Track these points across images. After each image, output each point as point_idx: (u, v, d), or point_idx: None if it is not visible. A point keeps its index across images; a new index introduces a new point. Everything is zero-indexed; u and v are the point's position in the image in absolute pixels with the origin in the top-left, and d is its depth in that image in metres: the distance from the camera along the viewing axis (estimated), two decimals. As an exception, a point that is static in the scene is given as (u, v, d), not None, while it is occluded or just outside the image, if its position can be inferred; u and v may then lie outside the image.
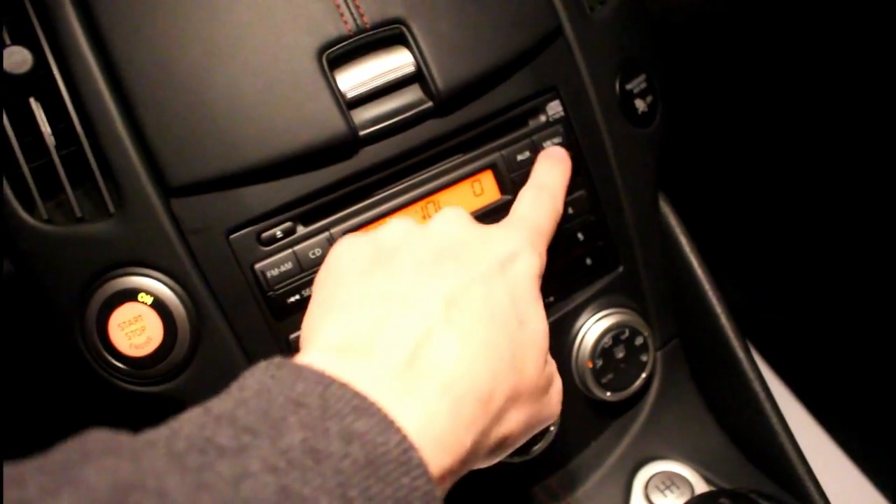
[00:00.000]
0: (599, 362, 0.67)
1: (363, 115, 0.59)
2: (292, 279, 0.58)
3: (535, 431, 0.52)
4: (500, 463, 0.64)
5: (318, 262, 0.59)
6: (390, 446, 0.37)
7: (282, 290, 0.58)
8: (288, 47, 0.57)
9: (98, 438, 0.34)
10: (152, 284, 0.57)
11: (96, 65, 0.55)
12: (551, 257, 0.65)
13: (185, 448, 0.34)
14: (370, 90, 0.59)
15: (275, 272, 0.58)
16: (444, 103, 0.60)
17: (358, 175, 0.60)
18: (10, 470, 0.31)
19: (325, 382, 0.39)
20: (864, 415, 1.04)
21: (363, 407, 0.38)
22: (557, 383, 0.54)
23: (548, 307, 0.65)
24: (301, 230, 0.59)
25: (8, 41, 0.55)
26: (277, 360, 0.41)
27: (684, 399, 0.73)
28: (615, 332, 0.67)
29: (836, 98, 0.85)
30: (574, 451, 0.70)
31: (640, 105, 0.69)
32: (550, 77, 0.65)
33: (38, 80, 0.56)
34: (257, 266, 0.58)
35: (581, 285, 0.68)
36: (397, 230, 0.52)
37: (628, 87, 0.69)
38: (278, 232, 0.58)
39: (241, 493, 0.33)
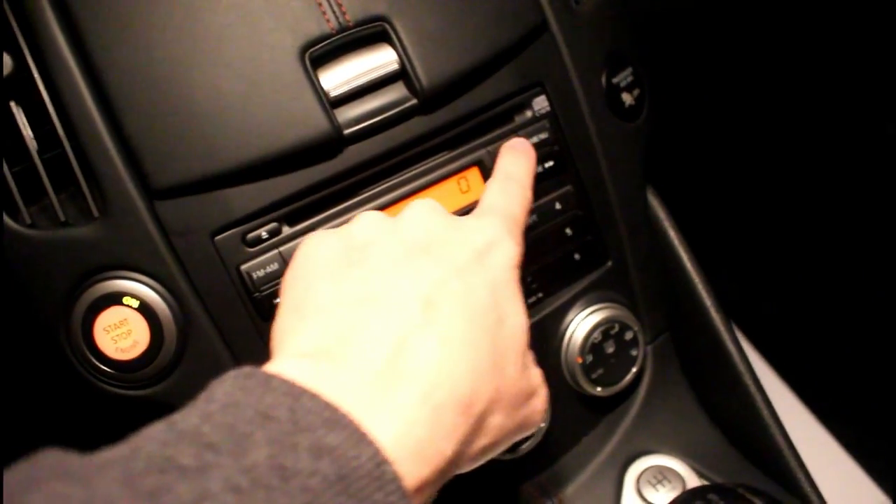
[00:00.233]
0: (589, 358, 0.67)
1: (347, 113, 0.59)
2: (279, 280, 0.58)
3: (519, 438, 0.50)
4: (491, 460, 0.64)
5: None
6: (362, 460, 0.36)
7: (268, 291, 0.58)
8: (270, 47, 0.57)
9: (48, 461, 0.33)
10: (138, 288, 0.56)
11: (77, 68, 0.55)
12: (540, 253, 0.65)
13: (143, 469, 0.33)
14: (354, 88, 0.59)
15: (261, 273, 0.58)
16: (428, 100, 0.60)
17: (343, 174, 0.59)
18: None
19: (294, 394, 0.37)
20: (857, 404, 1.04)
21: (334, 419, 0.37)
22: (543, 389, 0.51)
23: (536, 303, 0.66)
24: (287, 230, 0.59)
25: (-13, 45, 0.55)
26: (247, 369, 0.39)
27: (675, 393, 0.73)
28: (605, 327, 0.67)
29: (823, 89, 0.85)
30: (565, 447, 0.70)
31: (627, 99, 0.69)
32: (536, 72, 0.65)
33: (18, 83, 0.55)
34: (243, 267, 0.58)
35: (570, 280, 0.67)
36: (368, 225, 0.50)
37: (615, 80, 0.68)
38: (263, 233, 0.58)
39: None
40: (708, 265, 0.71)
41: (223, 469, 0.33)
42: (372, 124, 0.59)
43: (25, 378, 0.67)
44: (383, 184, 0.61)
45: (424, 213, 0.51)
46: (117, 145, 0.55)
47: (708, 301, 0.70)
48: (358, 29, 0.59)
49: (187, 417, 0.37)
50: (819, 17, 0.80)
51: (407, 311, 0.44)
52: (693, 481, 0.67)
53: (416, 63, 0.59)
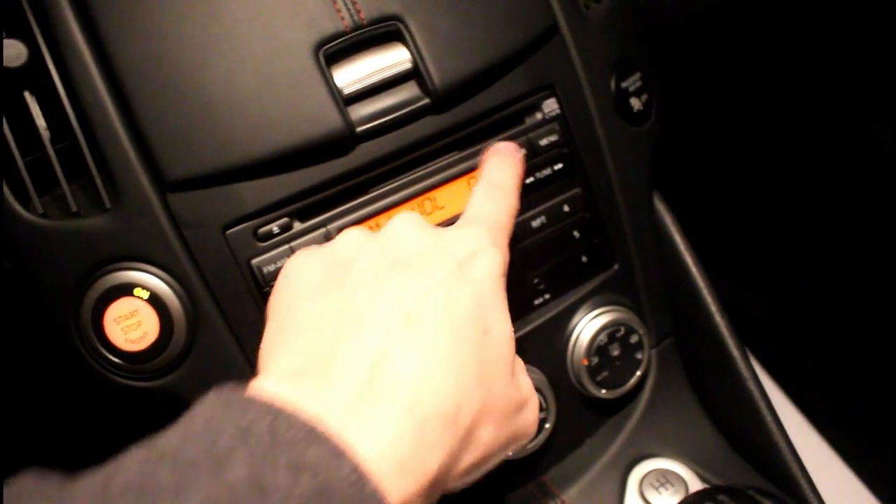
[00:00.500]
0: (595, 360, 0.67)
1: (360, 111, 0.59)
2: None
3: (511, 450, 0.49)
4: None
5: None
6: (342, 475, 0.35)
7: None
8: (285, 43, 0.57)
9: (25, 486, 0.33)
10: (148, 279, 0.56)
11: (92, 59, 0.55)
12: (547, 254, 0.65)
13: (120, 490, 0.33)
14: (367, 86, 0.59)
15: (271, 268, 0.58)
16: (441, 100, 0.60)
17: (355, 171, 0.59)
18: None
19: (274, 412, 0.37)
20: (854, 412, 1.04)
21: (314, 435, 0.36)
22: (534, 399, 0.51)
23: (543, 304, 0.66)
24: (298, 226, 0.59)
25: (3, 34, 0.55)
26: (228, 389, 0.39)
27: (679, 397, 0.73)
28: (610, 330, 0.67)
29: (831, 96, 0.86)
30: (569, 449, 0.70)
31: (636, 103, 0.69)
32: (546, 75, 0.65)
33: (33, 73, 0.55)
34: (254, 261, 0.58)
35: (576, 283, 0.68)
36: (350, 241, 0.50)
37: (624, 85, 0.69)
38: (275, 228, 0.58)
39: None
40: (712, 270, 0.72)
41: (202, 487, 0.33)
42: (384, 122, 0.59)
43: (35, 368, 0.67)
44: (394, 182, 0.61)
45: (406, 226, 0.51)
46: (131, 137, 0.55)
47: (713, 306, 0.70)
48: (372, 27, 0.59)
49: (167, 438, 0.37)
50: (828, 26, 0.81)
51: (389, 326, 0.44)
52: (696, 485, 0.67)
53: (430, 63, 0.59)
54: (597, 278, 0.68)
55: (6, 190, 0.55)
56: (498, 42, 0.62)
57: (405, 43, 0.60)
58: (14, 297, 0.58)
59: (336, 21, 0.58)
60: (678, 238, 0.72)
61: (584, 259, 0.67)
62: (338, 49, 0.58)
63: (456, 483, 0.45)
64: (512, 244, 0.63)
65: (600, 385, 0.68)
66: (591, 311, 0.68)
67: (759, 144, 0.99)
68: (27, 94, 0.56)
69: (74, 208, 0.56)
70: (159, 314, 0.57)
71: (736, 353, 0.69)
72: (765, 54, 0.87)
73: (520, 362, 0.51)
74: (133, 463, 0.35)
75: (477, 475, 0.47)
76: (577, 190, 0.66)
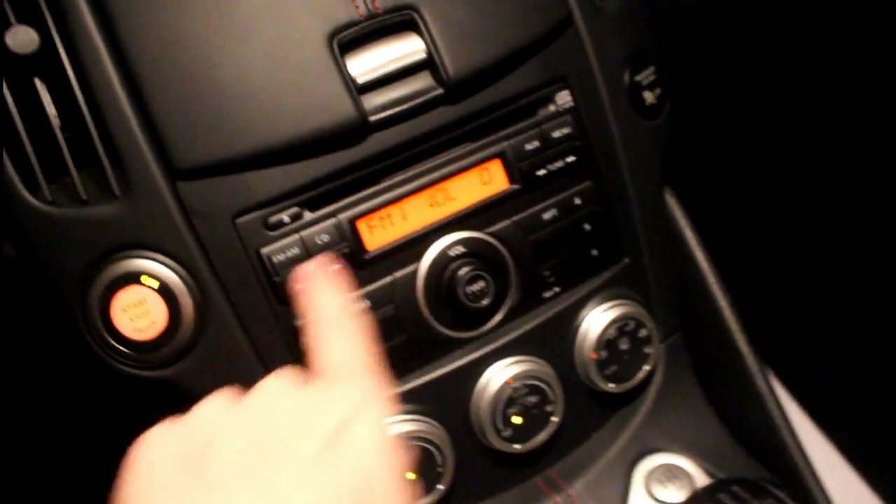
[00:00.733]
0: (604, 353, 0.67)
1: (373, 100, 0.59)
2: (298, 264, 0.58)
3: None
4: (502, 452, 0.65)
5: (326, 247, 0.59)
6: None
7: (287, 276, 0.58)
8: (298, 31, 0.57)
9: None
10: (157, 268, 0.56)
11: (103, 45, 0.55)
12: (558, 247, 0.65)
13: None
14: (380, 76, 0.58)
15: (281, 257, 0.58)
16: (454, 90, 0.60)
17: (366, 161, 0.59)
18: None
19: None
20: (858, 412, 1.05)
21: None
22: None
23: (553, 297, 0.66)
24: (308, 216, 0.59)
25: (13, 20, 0.54)
26: None
27: (686, 392, 0.73)
28: (620, 324, 0.67)
29: (846, 94, 0.85)
30: (576, 442, 0.70)
31: (649, 97, 0.69)
32: (560, 67, 0.65)
33: (44, 60, 0.55)
34: (263, 251, 0.58)
35: (586, 276, 0.68)
36: (211, 418, 0.44)
37: (637, 78, 0.68)
38: (285, 217, 0.58)
39: None
40: (721, 267, 0.72)
41: None
42: (397, 112, 0.59)
43: (41, 357, 0.67)
44: (406, 172, 0.61)
45: (272, 395, 0.45)
46: (141, 124, 0.55)
47: (722, 301, 0.70)
48: (386, 16, 0.59)
49: None
50: (843, 26, 0.81)
51: None
52: (702, 480, 0.67)
53: (444, 53, 0.59)
54: (607, 272, 0.68)
55: (15, 177, 0.54)
56: (512, 33, 0.61)
57: (419, 32, 0.59)
58: (21, 284, 0.58)
59: (350, 9, 0.58)
60: (689, 233, 0.72)
61: (594, 252, 0.67)
62: (352, 38, 0.58)
63: None
64: (523, 236, 0.63)
65: (608, 379, 0.68)
66: (600, 304, 0.67)
67: (770, 142, 0.99)
68: (38, 81, 0.55)
69: (83, 196, 0.55)
70: (167, 303, 0.56)
71: (745, 349, 0.69)
72: (781, 49, 0.87)
73: None
74: None
75: None
76: (588, 183, 0.66)
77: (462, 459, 0.63)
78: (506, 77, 0.62)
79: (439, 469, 0.62)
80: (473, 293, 0.61)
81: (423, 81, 0.60)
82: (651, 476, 0.68)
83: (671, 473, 0.67)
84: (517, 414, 0.64)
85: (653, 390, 0.72)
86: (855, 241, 0.95)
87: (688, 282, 0.72)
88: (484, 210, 0.63)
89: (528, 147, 0.64)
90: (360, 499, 0.40)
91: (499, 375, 0.64)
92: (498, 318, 0.64)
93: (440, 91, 0.60)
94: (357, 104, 0.57)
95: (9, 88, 0.54)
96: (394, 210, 0.61)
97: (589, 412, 0.70)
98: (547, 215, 0.65)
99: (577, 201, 0.66)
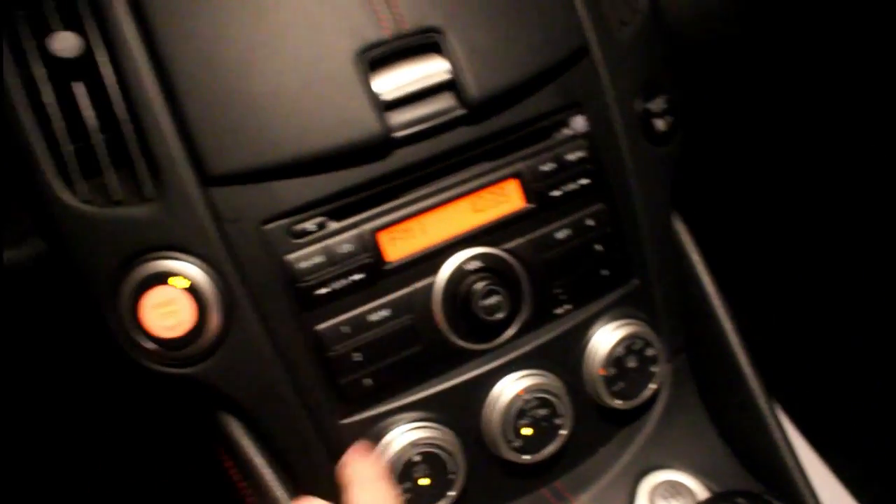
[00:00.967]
0: (612, 370, 0.68)
1: (397, 117, 0.61)
2: (321, 272, 0.60)
3: None
4: (511, 462, 0.66)
5: (348, 256, 0.61)
6: None
7: (311, 282, 0.60)
8: (328, 48, 0.59)
9: None
10: (186, 268, 0.58)
11: (143, 54, 0.57)
12: (570, 266, 0.67)
13: None
14: (405, 94, 0.61)
15: (304, 265, 0.60)
16: (475, 111, 0.62)
17: (389, 175, 0.61)
18: None
19: None
20: (861, 443, 1.05)
21: None
22: None
23: (564, 314, 0.68)
24: (332, 225, 0.61)
25: (58, 26, 0.57)
26: None
27: (690, 411, 0.74)
28: (628, 342, 0.68)
29: (857, 124, 0.87)
30: (583, 456, 0.71)
31: (660, 125, 0.71)
32: (576, 93, 0.67)
33: (85, 64, 0.57)
34: (288, 257, 0.60)
35: (596, 295, 0.70)
36: None
37: (649, 106, 0.71)
38: (310, 226, 0.60)
39: None
40: (727, 291, 0.74)
41: None
42: (420, 129, 0.61)
43: (71, 353, 0.68)
44: (427, 188, 0.63)
45: None
46: (176, 130, 0.57)
47: (727, 324, 0.72)
48: (413, 37, 0.61)
49: None
50: (852, 56, 0.83)
51: None
52: (704, 497, 0.68)
53: (467, 74, 0.62)
54: (616, 291, 0.70)
55: (53, 175, 0.56)
56: (532, 59, 0.64)
57: (444, 54, 0.62)
58: (52, 280, 0.60)
59: (379, 29, 0.60)
60: (695, 257, 0.74)
61: (604, 272, 0.69)
62: (379, 56, 0.60)
63: None
64: (537, 253, 0.65)
65: (616, 395, 0.69)
66: (610, 322, 0.69)
67: (777, 169, 1.00)
68: (77, 84, 0.58)
69: (117, 197, 0.57)
70: (196, 303, 0.58)
71: (748, 371, 0.71)
72: (790, 81, 0.89)
73: None
74: None
75: None
76: (601, 205, 0.68)
77: (473, 468, 0.65)
78: (524, 100, 0.65)
79: (451, 476, 0.63)
80: (488, 307, 0.63)
81: (445, 101, 0.62)
82: (655, 492, 0.69)
83: (674, 490, 0.69)
84: (527, 426, 0.66)
85: (658, 408, 0.74)
86: (860, 269, 0.97)
87: (693, 304, 0.73)
88: (500, 227, 0.65)
89: (544, 168, 0.66)
90: None
91: (510, 387, 0.65)
92: (511, 331, 0.66)
93: (462, 111, 0.62)
94: (382, 120, 0.60)
95: (51, 90, 0.57)
96: (414, 223, 0.63)
97: (596, 427, 0.72)
98: (560, 235, 0.67)
99: (590, 222, 0.68)
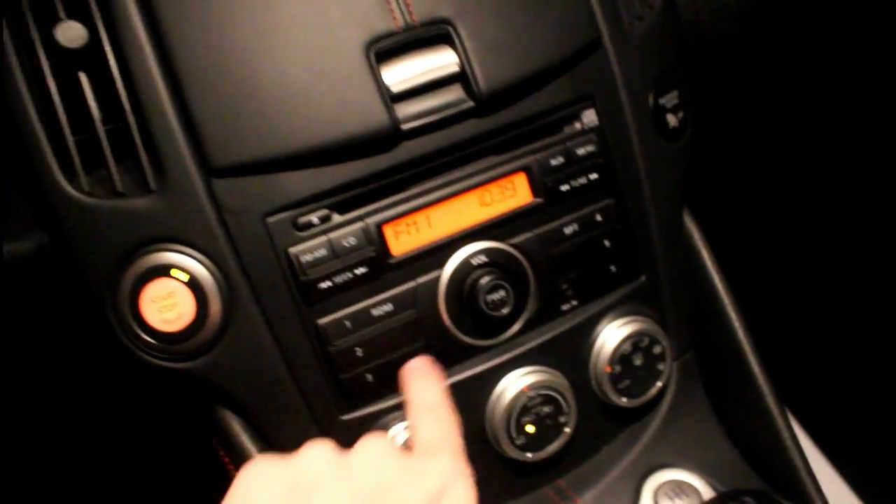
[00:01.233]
0: (618, 368, 0.68)
1: (406, 109, 0.60)
2: (325, 265, 0.59)
3: None
4: (514, 460, 0.65)
5: (352, 250, 0.60)
6: None
7: (314, 276, 0.59)
8: (337, 39, 0.58)
9: None
10: (187, 262, 0.57)
11: (148, 43, 0.56)
12: (577, 262, 0.66)
13: None
14: (414, 86, 0.60)
15: (308, 257, 0.59)
16: (484, 104, 0.61)
17: (396, 168, 0.61)
18: None
19: None
20: (864, 440, 1.05)
21: None
22: None
23: (571, 310, 0.67)
24: (337, 218, 0.60)
25: (63, 16, 0.56)
26: None
27: (697, 410, 0.74)
28: (635, 340, 0.68)
29: (869, 121, 0.86)
30: (587, 454, 0.71)
31: (672, 120, 0.70)
32: (587, 86, 0.66)
33: (90, 55, 0.56)
34: (291, 250, 0.59)
35: (604, 291, 0.69)
36: (318, 463, 0.46)
37: (661, 101, 0.70)
38: (314, 218, 0.59)
39: None
40: (737, 288, 0.73)
41: None
42: (428, 122, 0.60)
43: (71, 346, 0.68)
44: (433, 181, 0.62)
45: (376, 454, 0.48)
46: (180, 122, 0.57)
47: (737, 322, 0.71)
48: (423, 29, 0.60)
49: None
50: (872, 49, 0.82)
51: None
52: (710, 497, 0.68)
53: (476, 67, 0.61)
54: (624, 288, 0.69)
55: (55, 166, 0.56)
56: (543, 52, 0.63)
57: (454, 46, 0.61)
58: (54, 272, 0.59)
59: (388, 20, 0.59)
60: (705, 254, 0.73)
61: (612, 268, 0.68)
62: (388, 48, 0.59)
63: None
64: (544, 248, 0.65)
65: (621, 393, 0.69)
66: (616, 319, 0.69)
67: (790, 166, 1.00)
68: (82, 75, 0.57)
69: (120, 188, 0.56)
70: (196, 297, 0.58)
71: (757, 370, 0.70)
72: (803, 78, 0.88)
73: None
74: None
75: None
76: (610, 200, 0.67)
77: (475, 465, 0.64)
78: (534, 93, 0.64)
79: None
80: (493, 302, 0.63)
81: (454, 93, 0.61)
82: (660, 491, 0.68)
83: (679, 489, 0.68)
84: (531, 423, 0.65)
85: (664, 407, 0.73)
86: (871, 269, 0.96)
87: (703, 302, 0.73)
88: (507, 221, 0.64)
89: (553, 162, 0.65)
90: None
91: (514, 384, 0.65)
92: (516, 327, 0.66)
93: (471, 104, 0.61)
94: (390, 112, 0.59)
95: (55, 80, 0.56)
96: (420, 217, 0.62)
97: (601, 425, 0.71)
98: (568, 230, 0.66)
99: (598, 218, 0.67)
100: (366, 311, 0.61)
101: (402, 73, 0.60)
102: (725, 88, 0.90)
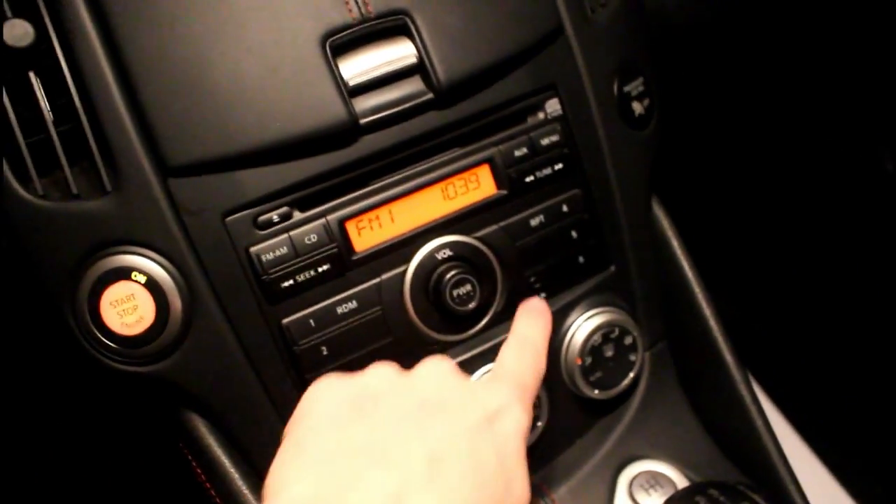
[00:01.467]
0: (588, 360, 0.67)
1: (364, 103, 0.59)
2: (287, 264, 0.59)
3: None
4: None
5: (314, 247, 0.59)
6: None
7: (276, 275, 0.58)
8: (291, 32, 0.57)
9: None
10: (146, 264, 0.56)
11: (99, 42, 0.55)
12: (544, 254, 0.66)
13: None
14: (372, 79, 0.59)
15: (270, 256, 0.58)
16: (444, 95, 0.60)
17: (356, 163, 0.60)
18: None
19: None
20: (842, 425, 1.05)
21: None
22: None
23: (539, 303, 0.66)
24: (297, 215, 0.59)
25: (9, 14, 0.55)
26: None
27: (670, 400, 0.73)
28: (605, 331, 0.67)
29: (836, 105, 0.86)
30: (560, 448, 0.70)
31: (637, 107, 0.70)
32: (550, 75, 0.66)
33: (38, 54, 0.55)
34: (252, 249, 0.58)
35: (573, 283, 0.68)
36: (382, 378, 0.50)
37: (626, 89, 0.69)
38: (274, 216, 0.59)
39: None
40: (706, 276, 0.72)
41: None
42: (388, 115, 0.59)
43: (30, 351, 0.67)
44: (395, 175, 0.62)
45: (438, 371, 0.51)
46: (134, 120, 0.55)
47: (707, 311, 0.70)
48: (379, 20, 0.59)
49: None
50: (832, 41, 0.82)
51: (409, 467, 0.44)
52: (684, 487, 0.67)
53: (435, 58, 0.60)
54: (593, 279, 0.69)
55: (7, 170, 0.54)
56: (503, 40, 0.62)
57: (411, 37, 0.60)
58: (10, 277, 0.58)
59: (344, 13, 0.58)
60: (675, 243, 0.72)
61: (580, 259, 0.68)
62: (344, 41, 0.59)
63: None
64: (510, 241, 0.64)
65: (593, 385, 0.68)
66: (586, 311, 0.68)
67: (759, 154, 0.99)
68: (31, 75, 0.56)
69: (75, 190, 0.55)
70: (156, 299, 0.57)
71: (728, 357, 0.69)
72: (768, 61, 0.88)
73: None
74: None
75: None
76: (576, 191, 0.67)
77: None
78: (496, 84, 0.63)
79: None
80: (460, 296, 0.62)
81: (413, 86, 0.61)
82: (634, 483, 0.68)
83: (654, 480, 0.68)
84: (502, 418, 0.64)
85: (637, 398, 0.73)
86: (839, 251, 0.96)
87: (673, 291, 0.72)
88: (472, 214, 0.63)
89: (517, 153, 0.64)
90: (498, 468, 0.46)
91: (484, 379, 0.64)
92: (484, 321, 0.65)
93: (430, 96, 0.60)
94: (348, 106, 0.58)
95: (3, 82, 0.55)
96: (382, 212, 0.61)
97: (574, 418, 0.70)
98: (534, 221, 0.65)
99: (565, 208, 0.66)
100: (330, 309, 0.60)
101: (359, 66, 0.59)
102: (693, 74, 0.90)
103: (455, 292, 0.62)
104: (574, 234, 0.67)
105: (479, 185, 0.64)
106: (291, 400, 0.59)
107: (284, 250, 0.59)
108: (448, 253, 0.62)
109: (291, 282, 0.59)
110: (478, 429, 0.47)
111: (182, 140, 0.56)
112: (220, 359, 0.59)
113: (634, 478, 0.68)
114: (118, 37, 0.55)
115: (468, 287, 0.62)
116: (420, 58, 0.60)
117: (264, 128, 0.56)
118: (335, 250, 0.60)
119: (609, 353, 0.68)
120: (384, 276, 0.62)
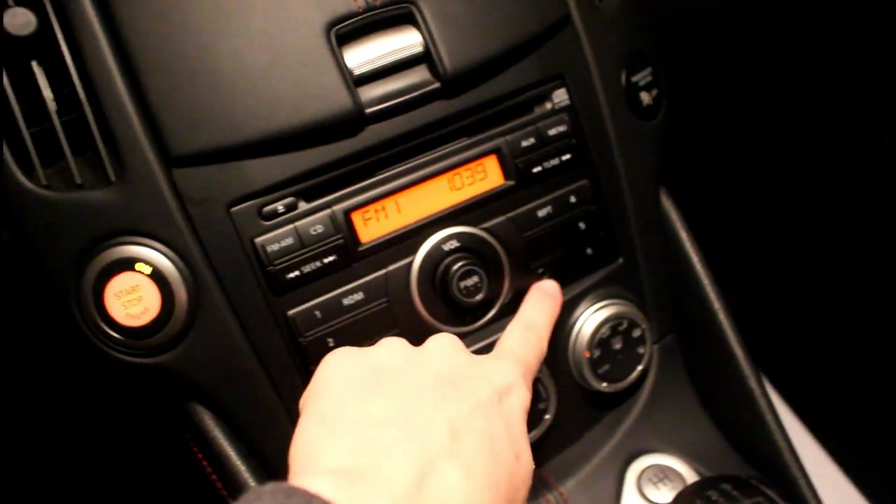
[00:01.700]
0: (597, 352, 0.67)
1: (369, 92, 0.59)
2: (292, 255, 0.58)
3: None
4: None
5: (320, 238, 0.58)
6: None
7: (281, 266, 0.58)
8: (297, 21, 0.57)
9: None
10: (151, 254, 0.56)
11: (101, 30, 0.55)
12: (552, 245, 0.65)
13: None
14: (377, 68, 0.59)
15: (275, 247, 0.58)
16: (450, 85, 0.60)
17: (362, 153, 0.59)
18: None
19: None
20: (848, 415, 1.04)
21: None
22: None
23: (547, 295, 0.66)
24: (303, 206, 0.59)
25: (11, 2, 0.55)
26: (286, 486, 0.39)
27: (678, 393, 0.73)
28: (613, 323, 0.67)
29: (840, 96, 0.85)
30: (568, 441, 0.70)
31: (645, 98, 0.69)
32: (557, 65, 0.65)
33: (41, 43, 0.55)
34: (258, 240, 0.58)
35: (581, 275, 0.68)
36: (395, 352, 0.52)
37: (634, 79, 0.69)
38: (280, 207, 0.58)
39: None
40: (716, 269, 0.72)
41: None
42: (393, 105, 0.59)
43: (35, 343, 0.66)
44: (401, 166, 0.61)
45: (448, 347, 0.54)
46: (138, 110, 0.55)
47: (716, 304, 0.70)
48: (385, 9, 0.59)
49: None
50: (838, 29, 0.81)
51: (435, 436, 0.45)
52: (693, 481, 0.66)
53: (441, 47, 0.59)
54: (601, 271, 0.68)
55: (11, 160, 0.54)
56: (510, 30, 0.62)
57: (417, 26, 0.59)
58: (14, 269, 0.58)
59: (349, 1, 0.58)
60: (683, 234, 0.72)
61: (588, 251, 0.67)
62: (349, 29, 0.58)
63: None
64: (518, 232, 0.63)
65: (601, 378, 0.67)
66: (594, 303, 0.67)
67: (766, 144, 0.99)
68: (34, 64, 0.55)
69: (79, 180, 0.55)
70: (160, 290, 0.56)
71: (738, 351, 0.69)
72: (777, 51, 0.87)
73: None
74: None
75: None
76: (584, 181, 0.66)
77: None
78: (503, 73, 0.63)
79: None
80: (467, 288, 0.61)
81: (419, 75, 0.60)
82: (643, 476, 0.67)
83: (663, 474, 0.67)
84: (509, 411, 0.64)
85: (646, 391, 0.72)
86: (850, 244, 0.95)
87: (682, 283, 0.71)
88: (479, 205, 0.63)
89: (524, 144, 0.64)
90: (508, 441, 0.48)
91: (491, 371, 0.63)
92: (491, 313, 0.64)
93: (436, 85, 0.60)
94: (353, 96, 0.57)
95: (6, 71, 0.54)
96: (389, 203, 0.61)
97: (582, 411, 0.70)
98: (542, 212, 0.65)
99: (573, 199, 0.66)
100: (336, 300, 0.60)
101: (364, 55, 0.59)
102: (702, 64, 0.89)
103: (462, 284, 0.61)
104: (582, 225, 0.66)
105: (486, 176, 0.63)
106: (297, 391, 0.59)
107: (290, 241, 0.58)
108: (455, 244, 0.62)
109: (297, 273, 0.58)
110: (490, 403, 0.49)
111: (186, 129, 0.55)
112: (226, 350, 0.58)
113: (643, 471, 0.68)
114: (121, 25, 0.54)
115: (475, 279, 0.61)
116: (426, 47, 0.59)
117: (269, 117, 0.56)
118: (341, 241, 0.59)
119: (617, 345, 0.67)
120: (391, 268, 0.61)
